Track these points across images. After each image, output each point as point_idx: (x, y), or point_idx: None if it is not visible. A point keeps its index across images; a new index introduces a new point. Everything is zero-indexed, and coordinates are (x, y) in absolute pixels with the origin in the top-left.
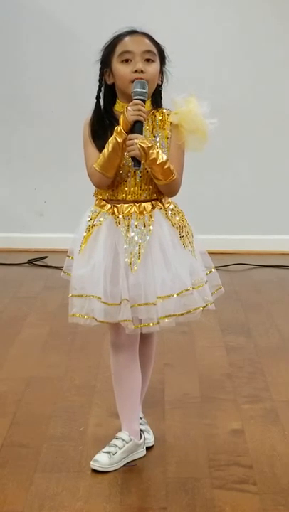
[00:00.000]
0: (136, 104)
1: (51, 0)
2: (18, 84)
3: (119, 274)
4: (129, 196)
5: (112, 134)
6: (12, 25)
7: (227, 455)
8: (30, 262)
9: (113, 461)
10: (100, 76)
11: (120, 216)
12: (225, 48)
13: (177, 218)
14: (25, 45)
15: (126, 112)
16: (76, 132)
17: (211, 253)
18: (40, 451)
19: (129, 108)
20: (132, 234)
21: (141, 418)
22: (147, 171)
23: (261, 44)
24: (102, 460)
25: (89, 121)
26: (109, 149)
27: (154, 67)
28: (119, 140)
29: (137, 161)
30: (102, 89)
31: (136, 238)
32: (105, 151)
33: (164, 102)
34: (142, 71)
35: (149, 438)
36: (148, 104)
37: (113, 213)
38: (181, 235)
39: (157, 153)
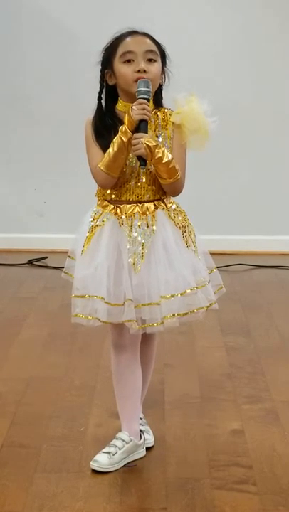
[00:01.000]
0: (141, 103)
1: (51, 0)
2: (18, 84)
3: (122, 274)
4: (133, 197)
5: (115, 134)
6: (12, 25)
7: (227, 455)
8: (31, 262)
9: (113, 461)
10: (101, 77)
11: (123, 216)
12: (225, 48)
13: (180, 218)
14: (25, 45)
15: (131, 111)
16: (76, 132)
17: (211, 253)
18: (40, 451)
19: (133, 107)
20: (135, 234)
21: (141, 418)
22: (151, 171)
23: (261, 44)
24: (102, 460)
25: (91, 121)
26: (115, 149)
27: (157, 66)
28: (124, 139)
29: (142, 160)
30: (104, 90)
31: (139, 238)
32: (110, 151)
33: (164, 101)
34: (144, 71)
35: (149, 438)
36: (151, 103)
37: (116, 214)
38: (184, 234)
39: (163, 152)
